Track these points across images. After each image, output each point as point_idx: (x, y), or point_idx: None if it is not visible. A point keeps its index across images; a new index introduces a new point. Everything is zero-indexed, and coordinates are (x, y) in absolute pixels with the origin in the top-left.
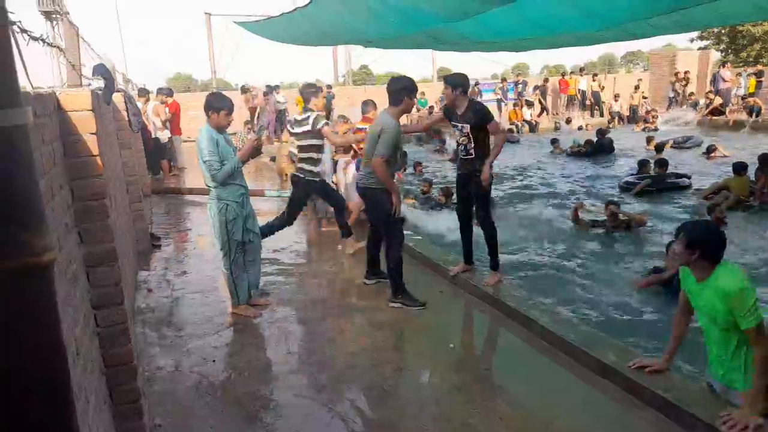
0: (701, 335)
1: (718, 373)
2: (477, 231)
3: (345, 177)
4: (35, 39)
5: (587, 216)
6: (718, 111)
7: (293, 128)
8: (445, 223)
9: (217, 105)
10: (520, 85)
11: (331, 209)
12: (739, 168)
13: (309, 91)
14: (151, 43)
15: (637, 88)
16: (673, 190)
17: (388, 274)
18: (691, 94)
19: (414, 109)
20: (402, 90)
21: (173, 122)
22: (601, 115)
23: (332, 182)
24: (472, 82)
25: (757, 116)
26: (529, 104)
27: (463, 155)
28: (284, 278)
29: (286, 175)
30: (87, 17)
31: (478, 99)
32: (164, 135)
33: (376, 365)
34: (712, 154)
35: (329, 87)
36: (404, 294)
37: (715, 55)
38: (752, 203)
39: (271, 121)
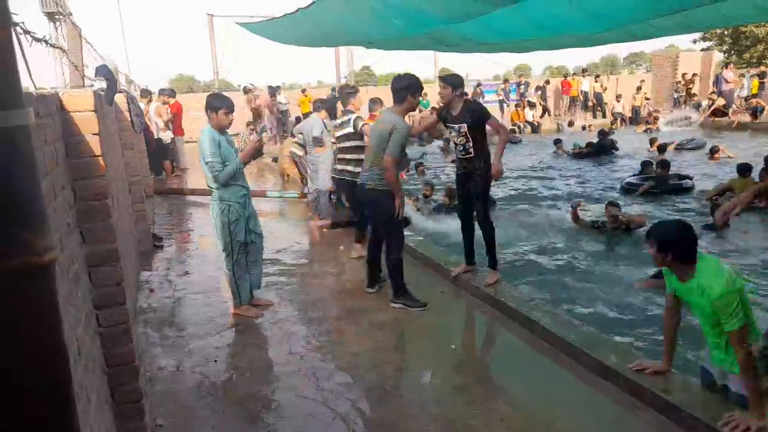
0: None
1: (715, 358)
2: (479, 231)
3: None
4: (38, 40)
5: (587, 216)
6: (721, 112)
7: (326, 133)
8: (447, 223)
9: (216, 104)
10: (523, 86)
11: (333, 210)
12: (744, 169)
13: (346, 92)
14: (154, 44)
15: (639, 89)
16: (676, 192)
17: (389, 274)
18: (694, 95)
19: (416, 110)
20: (405, 88)
21: (175, 123)
22: (604, 116)
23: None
24: (474, 83)
25: (759, 115)
26: (531, 105)
27: (462, 155)
28: (286, 279)
29: (288, 175)
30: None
31: (480, 100)
32: (167, 136)
33: (377, 366)
34: (716, 155)
35: (333, 89)
36: (405, 295)
37: (717, 56)
38: (757, 204)
39: (272, 121)
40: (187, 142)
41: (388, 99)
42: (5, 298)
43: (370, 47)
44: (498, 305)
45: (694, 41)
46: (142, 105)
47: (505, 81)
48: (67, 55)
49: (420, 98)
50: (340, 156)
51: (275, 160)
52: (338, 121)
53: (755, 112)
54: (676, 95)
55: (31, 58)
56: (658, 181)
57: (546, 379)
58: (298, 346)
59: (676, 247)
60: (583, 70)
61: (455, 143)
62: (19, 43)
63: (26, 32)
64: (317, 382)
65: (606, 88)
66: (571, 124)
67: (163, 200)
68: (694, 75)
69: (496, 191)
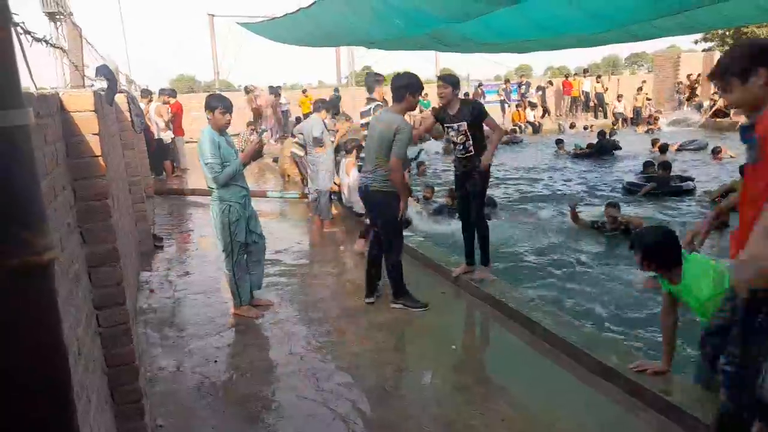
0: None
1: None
2: None
3: (348, 178)
4: (38, 40)
5: (587, 216)
6: (722, 113)
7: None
8: (448, 224)
9: (213, 104)
10: (524, 87)
11: (333, 210)
12: None
13: (372, 79)
14: (155, 44)
15: (640, 89)
16: (678, 193)
17: (389, 275)
18: (696, 96)
19: (417, 110)
20: (405, 87)
21: (175, 123)
22: (605, 116)
23: (335, 183)
24: (475, 83)
25: None
26: (533, 105)
27: (462, 154)
28: (286, 279)
29: (289, 176)
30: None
31: (482, 100)
32: (167, 136)
33: (377, 366)
34: (719, 155)
35: (336, 90)
36: (406, 295)
37: (719, 57)
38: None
39: (274, 122)
40: (187, 142)
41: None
42: (5, 297)
43: (371, 47)
44: (498, 306)
45: (696, 42)
46: (142, 105)
47: (506, 81)
48: (67, 55)
49: (420, 97)
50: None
51: (276, 160)
52: (362, 108)
53: None
54: (679, 96)
55: (32, 58)
56: (660, 182)
57: (547, 379)
58: (299, 347)
59: (660, 254)
60: (585, 71)
61: (454, 142)
62: (20, 43)
63: (26, 32)
64: (317, 382)
65: (607, 89)
66: (572, 126)
67: (164, 200)
68: (699, 76)
69: (497, 192)
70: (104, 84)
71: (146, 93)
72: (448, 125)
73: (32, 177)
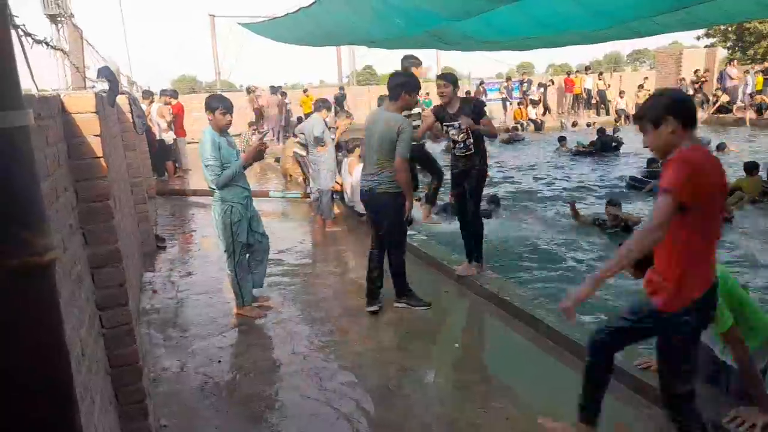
0: None
1: (718, 346)
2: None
3: (351, 178)
4: (39, 42)
5: (588, 213)
6: (725, 109)
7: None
8: (451, 223)
9: (213, 105)
10: (525, 84)
11: (335, 210)
12: (751, 167)
13: (410, 62)
14: (156, 45)
15: (641, 87)
16: None
17: (393, 274)
18: (701, 91)
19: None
20: (401, 85)
21: (176, 123)
22: (607, 113)
23: (337, 183)
24: (477, 82)
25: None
26: (534, 103)
27: (462, 152)
28: (289, 279)
29: (291, 176)
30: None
31: (483, 98)
32: (169, 136)
33: (380, 365)
34: (724, 151)
35: (342, 88)
36: (409, 294)
37: (721, 53)
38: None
39: (277, 122)
40: (189, 142)
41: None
42: (5, 297)
43: (372, 46)
44: (502, 304)
45: (698, 38)
46: (144, 106)
47: (508, 79)
48: (68, 57)
49: (416, 97)
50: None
51: (278, 160)
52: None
53: (760, 109)
54: (690, 91)
55: (33, 60)
56: None
57: (550, 377)
58: (301, 346)
59: (645, 261)
60: (586, 68)
61: (454, 141)
62: (21, 45)
63: (27, 34)
64: (320, 381)
65: (609, 86)
66: (575, 124)
67: (166, 201)
68: (706, 72)
69: (499, 189)
70: (106, 85)
71: (148, 94)
72: (448, 124)
73: (32, 177)
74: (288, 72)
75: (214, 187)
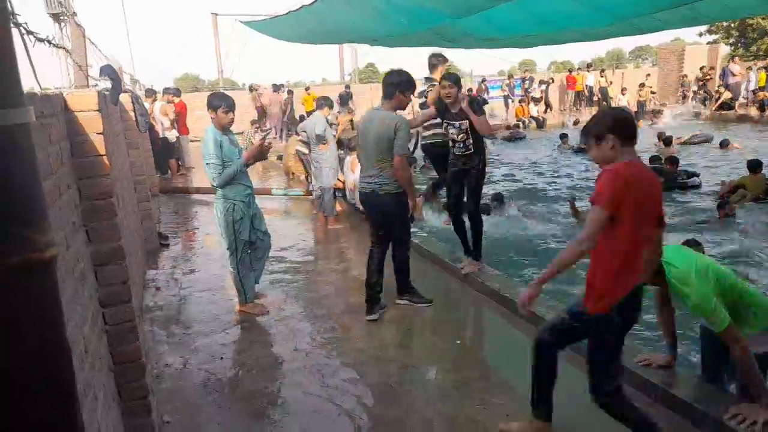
0: None
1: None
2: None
3: (353, 175)
4: (41, 40)
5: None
6: (727, 105)
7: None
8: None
9: (215, 103)
10: (527, 82)
11: (337, 207)
12: (755, 165)
13: (436, 59)
14: (158, 43)
15: (642, 85)
16: (683, 188)
17: (396, 271)
18: (705, 88)
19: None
20: (395, 84)
21: (179, 122)
22: None
23: (339, 180)
24: (479, 79)
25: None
26: (536, 100)
27: (461, 151)
28: (291, 276)
29: (293, 173)
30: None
31: (485, 96)
32: (172, 134)
33: (382, 362)
34: (727, 147)
35: (347, 86)
36: (411, 291)
37: (724, 49)
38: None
39: (280, 120)
40: (192, 140)
41: None
42: (7, 294)
43: (375, 44)
44: (504, 301)
45: (700, 34)
46: (147, 104)
47: (510, 77)
48: (71, 55)
49: (411, 96)
50: (426, 124)
51: (280, 158)
52: (419, 89)
53: (762, 106)
54: (683, 89)
55: (36, 59)
56: (666, 177)
57: None
58: (304, 343)
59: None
60: (588, 65)
61: (454, 140)
62: (24, 44)
63: (29, 32)
64: (323, 378)
65: (611, 83)
66: (576, 122)
67: (169, 199)
68: (711, 69)
69: (499, 188)
70: (108, 84)
71: (150, 92)
72: (449, 122)
73: (33, 175)
74: (290, 70)
75: (216, 185)
